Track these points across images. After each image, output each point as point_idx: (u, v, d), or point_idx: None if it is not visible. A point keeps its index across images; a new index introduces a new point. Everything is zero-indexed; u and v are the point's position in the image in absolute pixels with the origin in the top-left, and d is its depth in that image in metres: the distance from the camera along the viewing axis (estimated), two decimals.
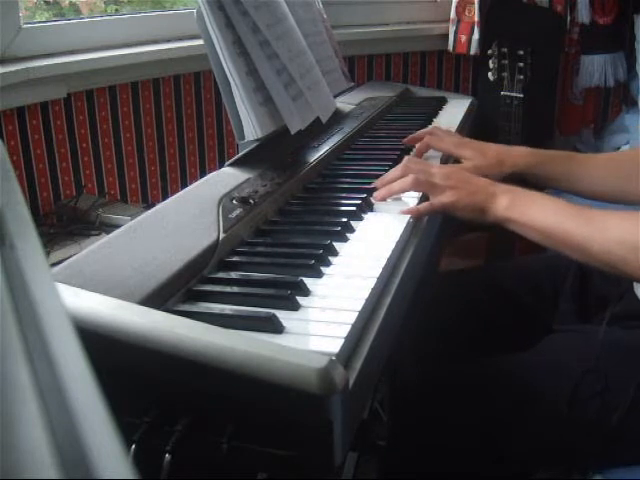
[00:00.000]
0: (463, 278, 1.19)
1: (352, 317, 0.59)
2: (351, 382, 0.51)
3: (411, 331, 1.03)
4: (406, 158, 1.00)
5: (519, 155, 1.07)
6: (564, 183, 1.07)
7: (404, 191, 0.91)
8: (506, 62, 1.76)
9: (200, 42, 1.00)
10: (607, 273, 0.86)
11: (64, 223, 1.29)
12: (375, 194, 0.91)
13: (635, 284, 0.93)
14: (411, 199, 0.92)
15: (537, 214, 0.85)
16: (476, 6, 1.90)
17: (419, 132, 1.17)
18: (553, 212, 0.84)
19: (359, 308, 0.61)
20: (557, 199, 0.88)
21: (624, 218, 0.79)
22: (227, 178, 0.90)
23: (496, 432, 0.86)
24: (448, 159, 1.13)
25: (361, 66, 1.98)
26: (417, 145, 1.13)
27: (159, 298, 0.59)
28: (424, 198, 0.92)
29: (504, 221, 0.87)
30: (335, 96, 1.28)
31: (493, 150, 1.08)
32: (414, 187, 0.90)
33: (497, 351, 0.92)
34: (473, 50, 1.93)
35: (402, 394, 1.03)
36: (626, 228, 0.77)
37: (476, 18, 1.90)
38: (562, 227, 0.82)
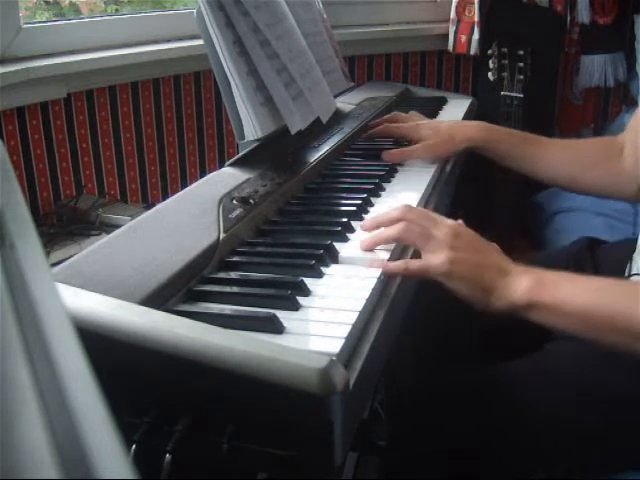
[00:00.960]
0: None
1: (352, 317, 0.59)
2: (351, 382, 0.51)
3: (410, 334, 1.02)
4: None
5: (472, 129, 1.07)
6: (518, 162, 1.07)
7: (389, 242, 0.75)
8: (506, 62, 1.76)
9: (200, 42, 1.00)
10: None
11: (64, 223, 1.29)
12: (361, 242, 0.76)
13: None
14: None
15: (573, 294, 0.69)
16: (476, 6, 1.90)
17: (380, 119, 1.17)
18: (593, 290, 0.70)
19: (359, 308, 0.61)
20: (587, 277, 0.73)
21: None
22: (227, 178, 0.90)
23: (494, 437, 0.85)
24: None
25: (361, 66, 1.98)
26: (374, 129, 1.14)
27: (159, 298, 0.59)
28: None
29: (525, 307, 0.70)
30: (335, 96, 1.28)
31: (445, 127, 1.09)
32: (402, 239, 0.74)
33: (496, 356, 0.92)
34: (473, 50, 1.93)
35: (400, 397, 1.02)
36: None
37: (476, 18, 1.90)
38: (608, 308, 0.68)
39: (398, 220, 0.75)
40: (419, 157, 1.09)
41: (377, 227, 0.78)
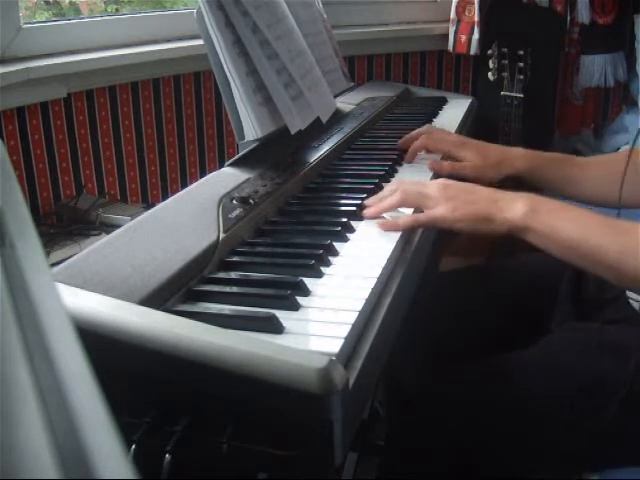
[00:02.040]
0: (460, 278, 1.19)
1: (352, 317, 0.59)
2: (351, 382, 0.51)
3: (410, 331, 1.02)
4: (398, 176, 0.98)
5: (517, 157, 1.07)
6: (561, 186, 1.07)
7: (393, 207, 0.84)
8: (506, 62, 1.76)
9: (200, 42, 1.00)
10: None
11: (64, 223, 1.29)
12: (365, 211, 0.85)
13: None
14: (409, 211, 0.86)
15: (563, 224, 0.77)
16: (476, 6, 1.90)
17: (414, 132, 1.15)
18: (582, 223, 0.76)
19: (359, 308, 0.61)
20: (583, 208, 0.80)
21: None
22: (227, 178, 0.90)
23: (494, 436, 0.85)
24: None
25: (361, 66, 1.98)
26: (412, 145, 1.12)
27: (159, 298, 0.59)
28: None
29: (521, 230, 0.79)
30: (335, 96, 1.28)
31: (492, 151, 1.07)
32: (403, 202, 0.83)
33: (495, 351, 0.92)
34: (473, 50, 1.93)
35: (400, 397, 1.03)
36: None
37: (476, 18, 1.90)
38: (593, 241, 0.74)
39: (394, 191, 0.84)
40: (467, 177, 1.06)
41: (379, 201, 0.86)
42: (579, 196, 1.06)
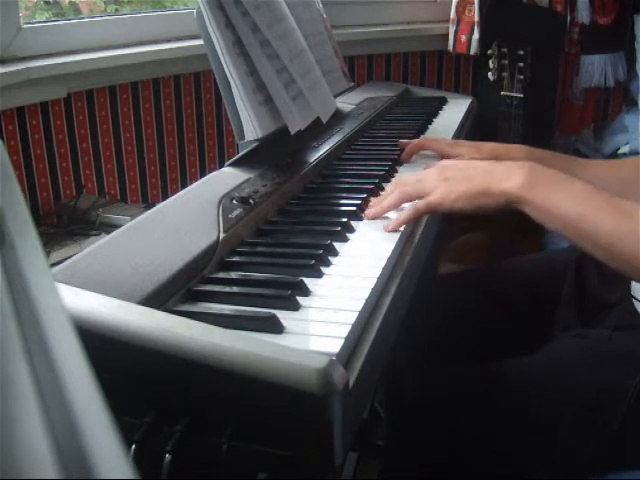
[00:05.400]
0: (460, 280, 1.18)
1: (352, 317, 0.59)
2: (351, 382, 0.51)
3: (409, 333, 1.02)
4: (398, 176, 0.97)
5: (516, 149, 1.05)
6: None
7: (393, 206, 0.83)
8: (506, 62, 1.76)
9: (200, 42, 1.00)
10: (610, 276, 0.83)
11: (64, 223, 1.29)
12: (366, 212, 0.85)
13: (633, 284, 0.92)
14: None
15: (561, 198, 0.73)
16: (476, 6, 1.90)
17: (410, 145, 1.14)
18: (581, 198, 0.73)
19: (359, 308, 0.61)
20: (584, 182, 0.76)
21: None
22: (227, 178, 0.90)
23: (495, 436, 0.85)
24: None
25: (361, 66, 1.98)
26: (408, 146, 1.12)
27: (159, 298, 0.59)
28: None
29: (517, 201, 0.75)
30: (335, 96, 1.28)
31: (488, 146, 1.07)
32: (402, 199, 0.82)
33: (495, 354, 0.92)
34: (473, 50, 1.93)
35: (400, 397, 1.02)
36: None
37: (476, 18, 1.90)
38: (590, 217, 0.71)
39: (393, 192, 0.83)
40: None
41: (380, 203, 0.84)
42: None
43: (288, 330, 0.58)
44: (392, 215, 0.84)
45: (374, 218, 0.83)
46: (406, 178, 0.86)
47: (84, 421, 0.21)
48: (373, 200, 0.87)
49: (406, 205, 0.83)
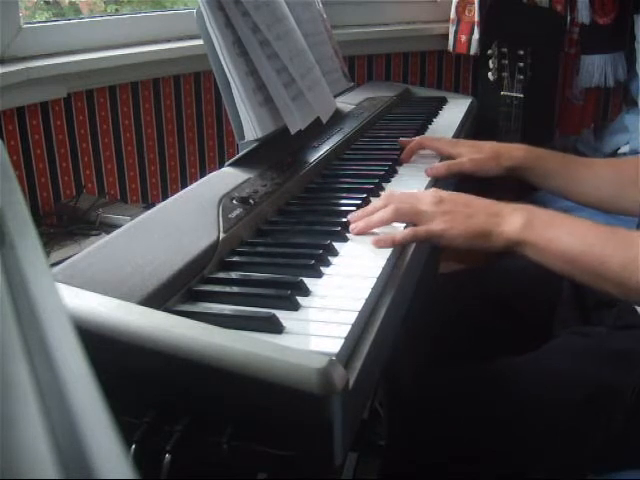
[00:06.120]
0: (460, 280, 1.18)
1: (352, 317, 0.59)
2: (351, 382, 0.51)
3: (409, 332, 1.02)
4: (388, 189, 0.96)
5: (516, 148, 1.05)
6: (560, 183, 1.04)
7: (384, 223, 0.78)
8: (506, 62, 1.76)
9: (200, 42, 1.00)
10: None
11: (64, 223, 1.29)
12: (352, 226, 0.79)
13: None
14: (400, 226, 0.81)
15: (562, 236, 0.73)
16: (476, 6, 1.90)
17: (410, 144, 1.13)
18: (582, 234, 0.73)
19: (359, 308, 0.61)
20: (582, 219, 0.76)
21: None
22: (227, 178, 0.90)
23: (495, 436, 0.85)
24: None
25: (361, 66, 1.98)
26: (408, 145, 1.11)
27: (159, 298, 0.59)
28: None
29: (518, 244, 0.75)
30: (335, 96, 1.28)
31: (489, 145, 1.06)
32: (396, 217, 0.78)
33: (495, 353, 0.92)
34: (473, 50, 1.93)
35: (400, 397, 1.02)
36: None
37: (476, 18, 1.90)
38: (594, 251, 0.70)
39: (384, 206, 0.79)
40: (466, 172, 1.04)
41: (367, 216, 0.80)
42: (579, 196, 1.04)
43: (288, 330, 0.58)
44: (378, 231, 0.80)
45: (361, 234, 0.78)
46: (399, 195, 0.83)
47: (84, 421, 0.21)
48: (356, 213, 0.82)
49: (396, 224, 0.80)
